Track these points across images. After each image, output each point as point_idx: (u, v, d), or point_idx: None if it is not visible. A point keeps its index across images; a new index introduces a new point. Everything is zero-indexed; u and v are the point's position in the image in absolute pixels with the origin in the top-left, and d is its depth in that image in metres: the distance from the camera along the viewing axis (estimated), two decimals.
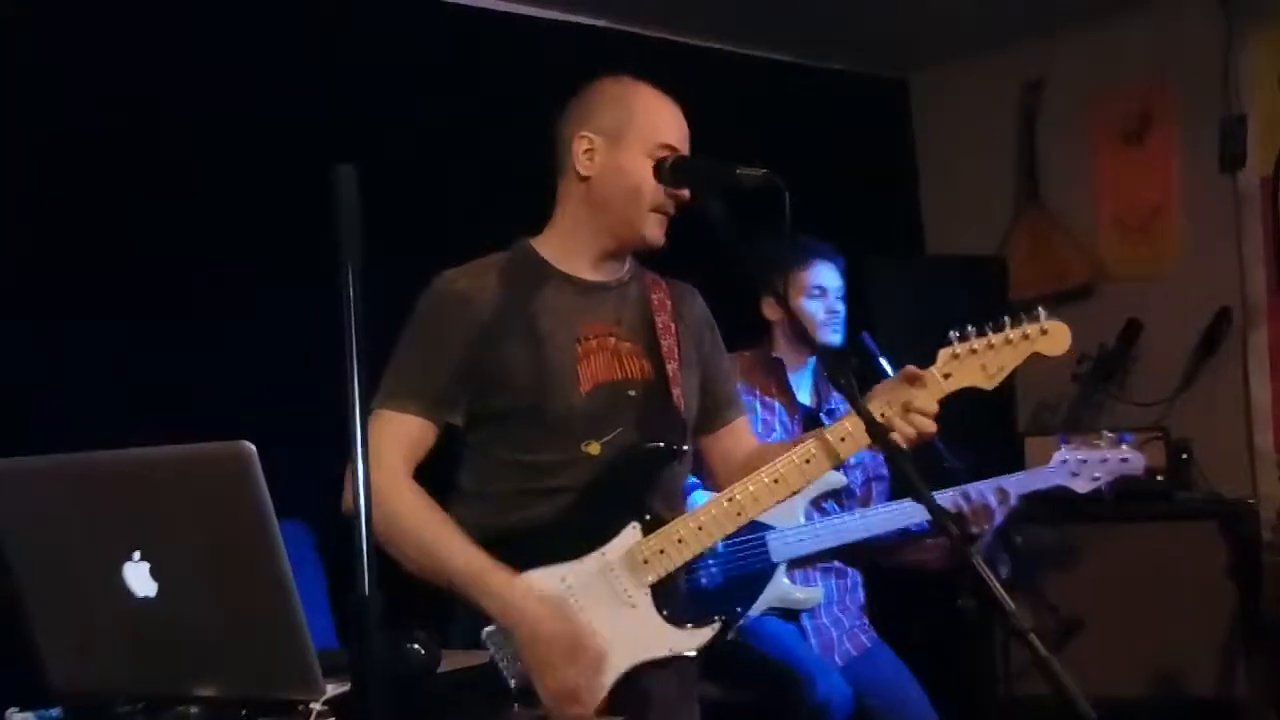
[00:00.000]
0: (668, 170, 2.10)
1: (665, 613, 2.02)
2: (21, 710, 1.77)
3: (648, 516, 2.04)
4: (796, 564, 3.08)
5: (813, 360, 3.21)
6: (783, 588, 3.04)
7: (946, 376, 2.07)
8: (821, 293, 3.16)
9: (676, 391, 2.13)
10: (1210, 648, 3.80)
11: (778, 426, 3.13)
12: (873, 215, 4.56)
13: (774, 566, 3.02)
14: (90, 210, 3.07)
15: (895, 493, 3.15)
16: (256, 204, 3.25)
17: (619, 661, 1.97)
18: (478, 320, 2.07)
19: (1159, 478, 4.02)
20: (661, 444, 2.08)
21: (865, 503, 3.17)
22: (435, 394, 2.06)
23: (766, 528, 3.00)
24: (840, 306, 3.19)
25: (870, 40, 4.60)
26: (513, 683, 1.92)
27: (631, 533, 2.03)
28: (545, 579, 1.99)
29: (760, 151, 2.19)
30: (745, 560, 2.97)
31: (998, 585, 1.73)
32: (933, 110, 5.02)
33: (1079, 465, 3.00)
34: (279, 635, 1.48)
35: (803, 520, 3.02)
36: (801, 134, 4.37)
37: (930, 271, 4.57)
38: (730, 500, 2.05)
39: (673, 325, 2.19)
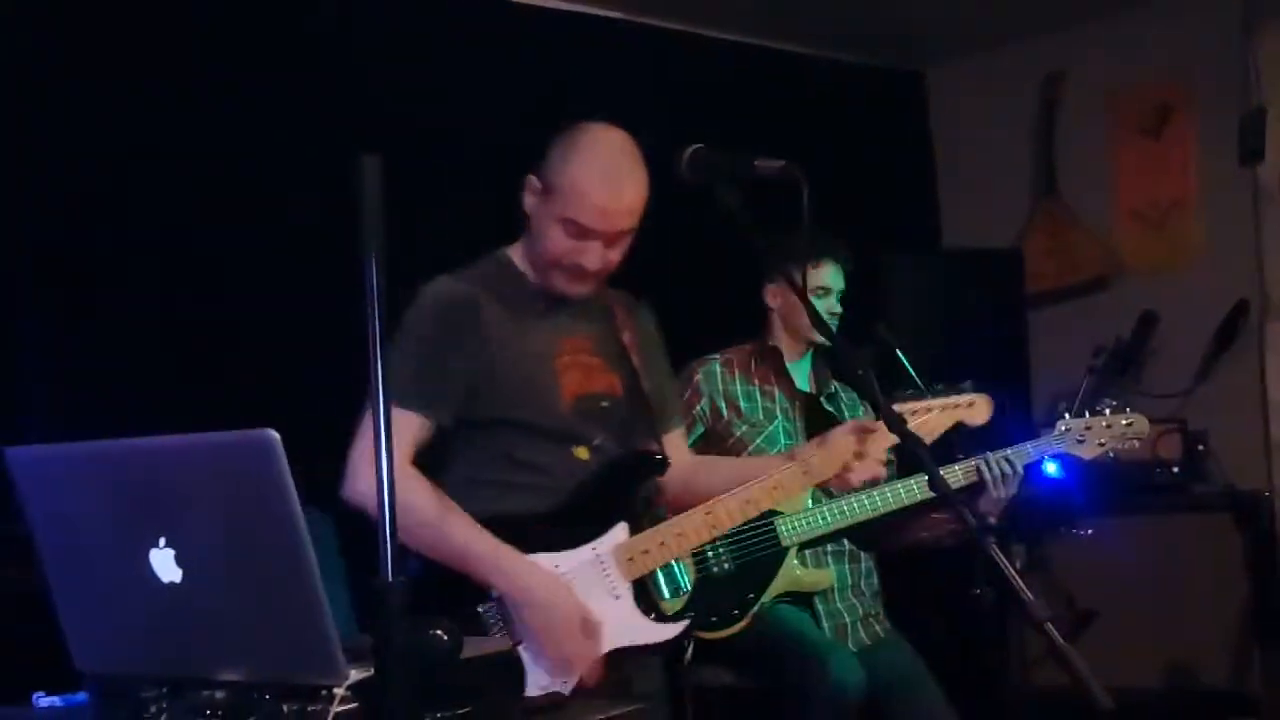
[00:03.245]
0: (686, 163, 2.12)
1: (642, 606, 2.21)
2: (48, 694, 1.80)
3: (632, 517, 2.23)
4: (806, 547, 3.11)
5: (811, 350, 3.25)
6: (793, 572, 3.06)
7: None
8: (825, 292, 3.18)
9: (647, 401, 2.31)
10: (1224, 640, 3.80)
11: (778, 414, 3.16)
12: (889, 208, 4.56)
13: (784, 551, 3.04)
14: (114, 201, 3.09)
15: (902, 472, 3.16)
16: (282, 193, 3.27)
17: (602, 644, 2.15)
18: (465, 330, 2.19)
19: (1175, 470, 4.03)
20: (652, 452, 2.28)
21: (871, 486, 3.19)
22: (437, 395, 2.17)
23: (774, 513, 3.02)
24: (839, 308, 3.22)
25: (887, 33, 4.59)
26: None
27: (620, 531, 2.21)
28: (541, 564, 2.16)
29: (777, 144, 2.20)
30: (755, 547, 2.98)
31: (1015, 574, 1.74)
32: (950, 103, 5.01)
33: (1084, 432, 3.01)
34: (302, 621, 1.50)
35: (809, 504, 3.03)
36: (818, 127, 4.37)
37: (947, 265, 4.56)
38: (709, 514, 2.26)
39: (635, 341, 2.34)
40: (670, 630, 2.21)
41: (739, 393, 3.16)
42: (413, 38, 3.62)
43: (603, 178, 2.17)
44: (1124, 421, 3.00)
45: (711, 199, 2.11)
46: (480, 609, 2.13)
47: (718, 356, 3.21)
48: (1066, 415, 3.06)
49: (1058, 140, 4.72)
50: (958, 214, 4.98)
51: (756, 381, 3.18)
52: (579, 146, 2.21)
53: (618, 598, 2.18)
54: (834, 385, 3.29)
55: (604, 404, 2.27)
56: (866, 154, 4.56)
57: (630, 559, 2.19)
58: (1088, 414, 3.04)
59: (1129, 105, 4.59)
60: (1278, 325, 4.26)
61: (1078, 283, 4.60)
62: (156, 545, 1.56)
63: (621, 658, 2.19)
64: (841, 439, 2.28)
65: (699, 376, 3.17)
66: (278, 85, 3.33)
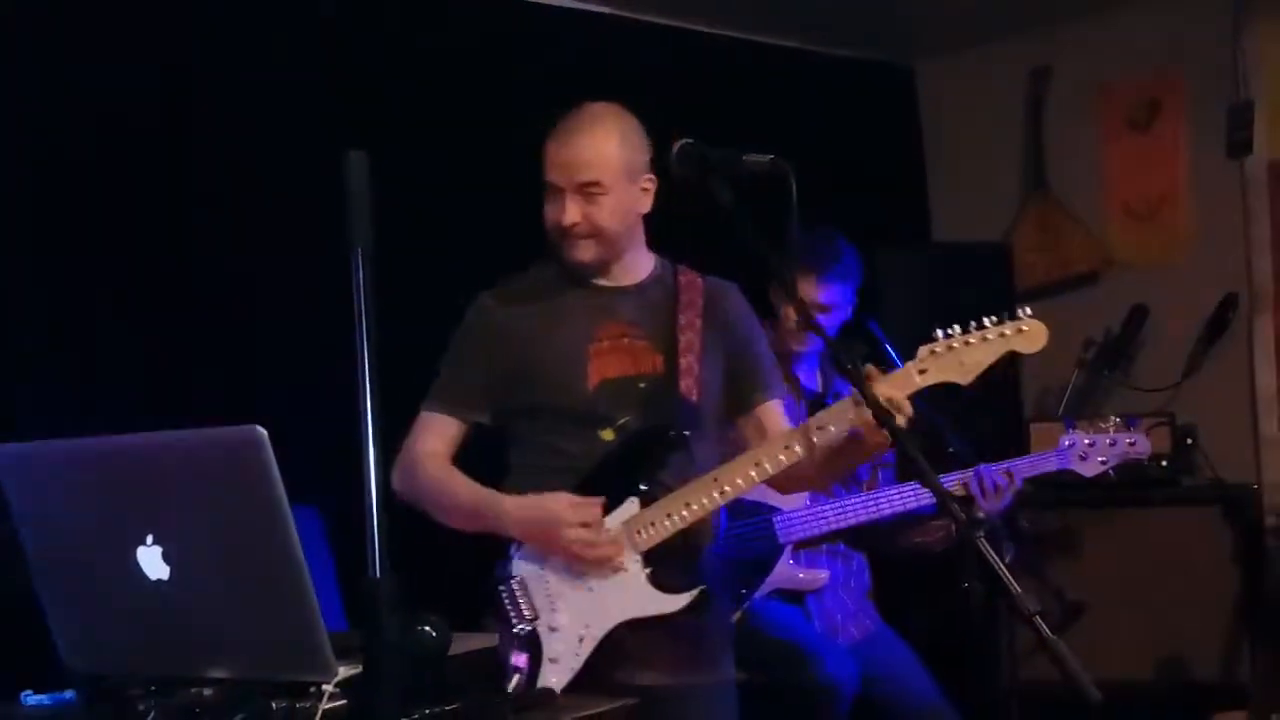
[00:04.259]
0: (675, 157, 2.13)
1: (651, 576, 2.24)
2: (36, 693, 1.80)
3: (644, 490, 2.26)
4: (802, 546, 3.11)
5: (817, 347, 3.24)
6: (788, 569, 3.07)
7: (922, 372, 2.19)
8: (818, 309, 3.10)
9: (686, 382, 2.30)
10: (1214, 632, 3.81)
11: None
12: (879, 202, 4.56)
13: (780, 549, 3.04)
14: (102, 195, 3.06)
15: (901, 477, 3.17)
16: (269, 189, 3.25)
17: (608, 617, 2.23)
18: (502, 333, 2.35)
19: (1164, 463, 4.03)
20: (660, 428, 2.28)
21: (871, 487, 3.19)
22: (463, 398, 2.38)
23: (773, 510, 3.02)
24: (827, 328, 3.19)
25: (877, 27, 4.59)
26: (521, 628, 2.20)
27: (630, 506, 2.25)
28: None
29: (766, 138, 2.20)
30: (752, 543, 2.99)
31: (1003, 569, 1.75)
32: (940, 97, 5.00)
33: (1086, 449, 3.07)
34: (291, 617, 1.50)
35: (808, 503, 3.04)
36: (808, 121, 4.36)
37: (937, 259, 4.56)
38: (715, 481, 2.24)
39: (697, 321, 2.36)
40: (678, 601, 2.23)
41: None
42: (406, 33, 3.61)
43: (557, 133, 2.30)
44: (1127, 441, 3.10)
45: (702, 194, 2.14)
46: (500, 587, 2.24)
47: None
48: (1070, 429, 3.10)
49: (1047, 135, 4.71)
50: (947, 208, 4.97)
51: None
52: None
53: (625, 570, 2.23)
54: (838, 384, 3.27)
55: (641, 384, 2.31)
56: (856, 148, 4.55)
57: (638, 532, 2.23)
58: (1091, 430, 3.08)
59: (1118, 99, 4.58)
60: (1266, 319, 4.26)
61: (1067, 277, 4.60)
62: (143, 543, 1.55)
63: (633, 630, 2.23)
64: (844, 401, 2.21)
65: None
66: (276, 79, 3.31)
